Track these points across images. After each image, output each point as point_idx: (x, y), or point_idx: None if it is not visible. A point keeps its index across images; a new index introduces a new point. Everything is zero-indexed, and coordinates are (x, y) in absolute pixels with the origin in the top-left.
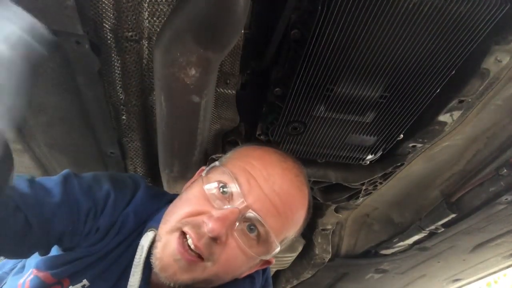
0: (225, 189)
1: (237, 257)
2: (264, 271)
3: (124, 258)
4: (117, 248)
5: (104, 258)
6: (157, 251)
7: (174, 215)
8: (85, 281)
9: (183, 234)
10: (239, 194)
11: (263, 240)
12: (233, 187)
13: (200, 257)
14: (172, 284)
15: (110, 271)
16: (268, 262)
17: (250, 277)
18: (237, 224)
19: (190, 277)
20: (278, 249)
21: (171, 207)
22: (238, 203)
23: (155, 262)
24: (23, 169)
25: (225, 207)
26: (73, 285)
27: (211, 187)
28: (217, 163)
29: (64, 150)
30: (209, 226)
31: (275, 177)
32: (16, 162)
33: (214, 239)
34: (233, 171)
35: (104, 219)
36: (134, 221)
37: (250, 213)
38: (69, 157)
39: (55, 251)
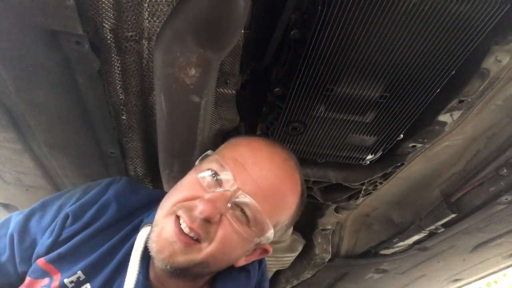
0: (216, 176)
1: (232, 237)
2: (260, 265)
3: (118, 252)
4: (103, 233)
5: (91, 246)
6: (154, 235)
7: (169, 200)
8: (79, 273)
9: (178, 218)
10: (229, 179)
11: (255, 222)
12: (223, 174)
13: (195, 239)
14: (168, 267)
15: (104, 263)
16: (265, 251)
17: (246, 270)
18: (229, 205)
19: (187, 259)
20: (271, 231)
21: (167, 195)
22: (229, 186)
23: (152, 245)
24: (23, 169)
25: (217, 190)
26: (67, 277)
27: (204, 174)
28: (209, 152)
29: (64, 150)
30: (200, 207)
31: (263, 161)
32: (16, 162)
33: (208, 221)
34: (223, 159)
35: (69, 208)
36: (116, 208)
37: (241, 196)
38: (69, 157)
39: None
